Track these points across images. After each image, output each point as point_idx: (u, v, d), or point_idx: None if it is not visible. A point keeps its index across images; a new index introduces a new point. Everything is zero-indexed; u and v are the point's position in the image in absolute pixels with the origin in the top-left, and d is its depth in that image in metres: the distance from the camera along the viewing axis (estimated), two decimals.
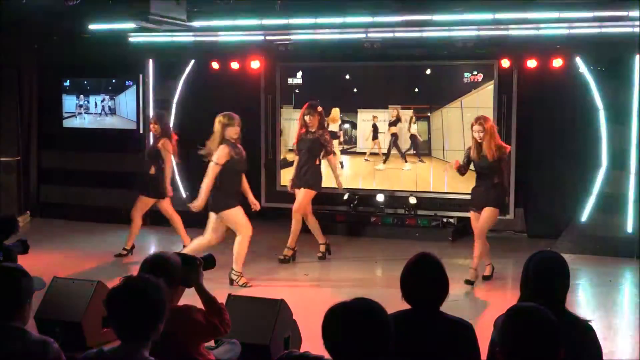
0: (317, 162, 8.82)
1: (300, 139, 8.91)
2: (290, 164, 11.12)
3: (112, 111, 11.63)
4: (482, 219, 7.75)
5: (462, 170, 7.94)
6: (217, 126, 7.71)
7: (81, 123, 11.86)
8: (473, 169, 8.00)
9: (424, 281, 3.51)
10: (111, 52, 10.93)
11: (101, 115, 11.69)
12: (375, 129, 10.79)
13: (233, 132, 7.68)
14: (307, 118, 8.76)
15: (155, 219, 10.68)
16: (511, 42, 9.45)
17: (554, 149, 10.04)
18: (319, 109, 8.85)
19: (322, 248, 8.98)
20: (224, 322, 4.08)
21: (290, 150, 11.08)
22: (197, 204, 7.58)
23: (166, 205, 9.08)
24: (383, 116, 10.73)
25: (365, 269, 8.63)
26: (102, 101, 11.65)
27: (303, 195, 8.75)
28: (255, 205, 7.95)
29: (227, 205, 7.55)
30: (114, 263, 8.71)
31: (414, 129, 10.60)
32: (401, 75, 10.68)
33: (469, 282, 7.70)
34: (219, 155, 7.60)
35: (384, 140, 10.76)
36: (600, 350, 3.40)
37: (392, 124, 10.69)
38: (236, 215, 7.60)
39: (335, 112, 10.88)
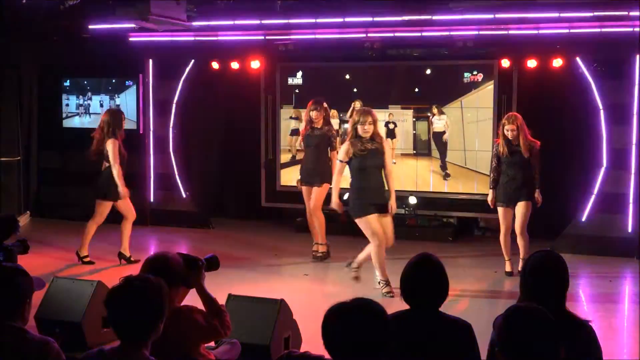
0: (327, 157, 8.84)
1: (306, 135, 8.94)
2: (286, 164, 11.17)
3: None
4: (521, 215, 7.90)
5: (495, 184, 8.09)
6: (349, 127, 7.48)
7: (81, 123, 11.86)
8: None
9: (424, 282, 3.52)
10: (111, 52, 10.94)
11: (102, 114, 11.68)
12: (388, 127, 10.66)
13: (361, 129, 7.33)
14: (313, 114, 8.80)
15: (154, 219, 10.71)
16: (511, 42, 9.45)
17: (554, 149, 10.03)
18: (325, 105, 8.91)
19: (322, 248, 8.96)
20: (224, 324, 4.08)
21: (289, 151, 11.12)
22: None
23: (122, 206, 8.62)
24: (383, 116, 10.72)
25: (366, 269, 8.61)
26: (110, 100, 11.63)
27: (319, 192, 8.79)
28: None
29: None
30: (113, 263, 8.70)
31: (439, 125, 10.46)
32: (401, 75, 10.68)
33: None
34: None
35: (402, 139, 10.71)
36: (600, 350, 3.40)
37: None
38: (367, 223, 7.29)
39: (334, 112, 10.87)
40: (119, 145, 8.35)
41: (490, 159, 8.33)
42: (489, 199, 8.14)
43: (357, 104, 10.59)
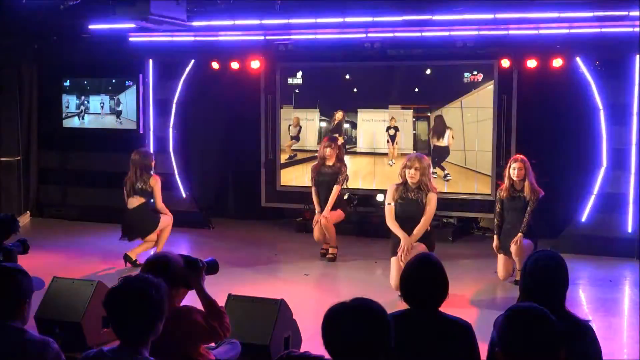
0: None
1: (318, 172, 8.94)
2: (286, 164, 11.18)
3: (113, 111, 11.63)
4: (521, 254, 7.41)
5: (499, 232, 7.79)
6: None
7: (81, 123, 11.86)
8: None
9: (424, 282, 3.52)
10: (111, 52, 10.94)
11: (102, 114, 11.68)
12: (389, 132, 10.65)
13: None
14: (327, 151, 8.83)
15: None
16: (511, 42, 9.46)
17: (554, 149, 10.04)
18: (339, 142, 9.08)
19: (333, 250, 8.96)
20: (223, 325, 4.08)
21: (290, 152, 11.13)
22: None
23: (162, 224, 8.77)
24: (383, 116, 10.73)
25: (365, 269, 8.62)
26: (110, 99, 11.62)
27: (337, 215, 8.85)
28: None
29: None
30: (114, 263, 8.69)
31: (444, 141, 10.39)
32: (401, 75, 10.68)
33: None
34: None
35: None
36: (600, 350, 3.40)
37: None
38: None
39: (339, 115, 10.91)
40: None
41: (494, 204, 7.97)
42: (494, 245, 7.77)
43: (339, 115, 10.66)
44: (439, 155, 10.39)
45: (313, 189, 9.00)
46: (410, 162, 7.14)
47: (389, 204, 7.26)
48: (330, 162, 8.90)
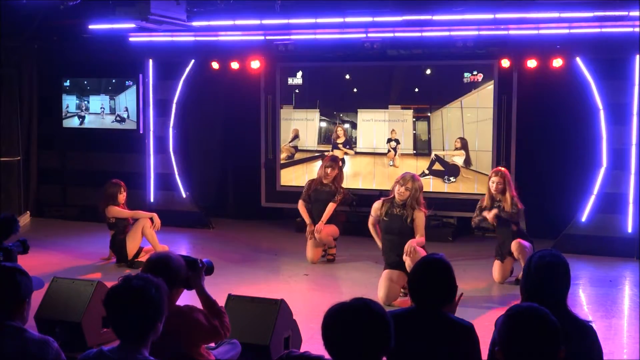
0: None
1: (314, 190, 8.88)
2: (286, 164, 11.17)
3: (113, 111, 11.62)
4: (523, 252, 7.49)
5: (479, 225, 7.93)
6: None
7: (81, 123, 11.85)
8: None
9: (430, 282, 3.51)
10: (111, 52, 10.95)
11: (103, 114, 11.67)
12: (390, 145, 10.69)
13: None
14: (327, 170, 8.78)
15: None
16: (511, 42, 9.46)
17: (554, 149, 10.04)
18: (340, 163, 9.04)
19: (333, 251, 8.99)
20: (224, 325, 4.08)
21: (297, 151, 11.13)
22: None
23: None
24: (383, 116, 10.73)
25: (365, 269, 8.62)
26: (110, 100, 11.62)
27: (332, 230, 8.84)
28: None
29: None
30: (113, 263, 8.69)
31: (458, 160, 10.44)
32: (401, 75, 10.68)
33: None
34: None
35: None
36: (601, 351, 3.39)
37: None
38: None
39: (341, 130, 10.94)
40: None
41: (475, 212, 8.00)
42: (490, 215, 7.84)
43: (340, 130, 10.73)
44: (450, 169, 10.49)
45: (301, 203, 8.91)
46: (404, 181, 7.12)
47: (372, 215, 7.35)
48: (326, 181, 8.81)
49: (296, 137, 11.10)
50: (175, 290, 3.91)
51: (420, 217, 7.11)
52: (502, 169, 7.98)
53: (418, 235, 7.08)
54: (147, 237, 8.52)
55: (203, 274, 4.11)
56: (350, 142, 10.88)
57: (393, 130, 10.62)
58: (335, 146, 10.90)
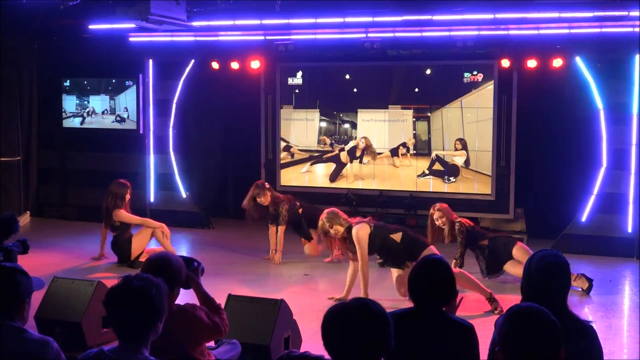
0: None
1: (272, 215, 8.88)
2: (286, 164, 11.18)
3: (113, 111, 11.62)
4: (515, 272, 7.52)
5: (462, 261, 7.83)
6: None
7: (82, 123, 11.85)
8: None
9: (430, 283, 3.51)
10: (111, 52, 10.95)
11: (104, 114, 11.67)
12: (400, 149, 10.71)
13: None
14: (261, 199, 8.77)
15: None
16: (511, 42, 9.46)
17: (554, 149, 10.04)
18: (267, 185, 8.98)
19: (339, 254, 9.00)
20: (224, 321, 4.09)
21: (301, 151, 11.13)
22: None
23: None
24: (383, 116, 10.73)
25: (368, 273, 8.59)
26: (110, 100, 11.62)
27: (317, 247, 8.94)
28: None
29: None
30: (114, 263, 8.69)
31: (459, 161, 10.44)
32: (401, 75, 10.68)
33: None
34: None
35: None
36: (601, 351, 3.39)
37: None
38: None
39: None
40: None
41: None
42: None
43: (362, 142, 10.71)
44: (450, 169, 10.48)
45: (271, 228, 8.94)
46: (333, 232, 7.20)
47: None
48: (265, 203, 8.79)
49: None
50: (175, 290, 3.92)
51: (354, 236, 7.05)
52: (436, 205, 7.95)
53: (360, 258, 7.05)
54: (161, 244, 8.56)
55: (199, 274, 4.13)
56: (362, 155, 10.89)
57: (410, 138, 10.62)
58: (353, 156, 10.87)
